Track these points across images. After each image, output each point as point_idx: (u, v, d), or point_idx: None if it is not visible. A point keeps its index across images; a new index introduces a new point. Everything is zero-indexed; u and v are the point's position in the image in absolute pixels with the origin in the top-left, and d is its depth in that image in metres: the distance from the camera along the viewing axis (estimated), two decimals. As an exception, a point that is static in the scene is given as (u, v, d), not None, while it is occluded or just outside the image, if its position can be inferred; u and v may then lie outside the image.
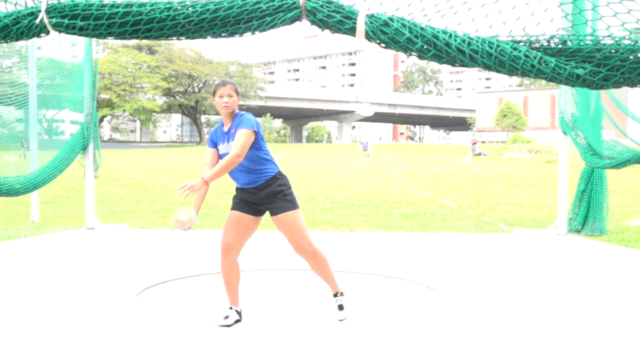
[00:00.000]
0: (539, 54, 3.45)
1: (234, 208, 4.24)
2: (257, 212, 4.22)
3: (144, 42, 58.22)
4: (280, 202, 4.09)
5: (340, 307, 4.35)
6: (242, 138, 3.93)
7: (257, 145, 4.06)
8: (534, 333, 4.10)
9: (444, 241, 8.36)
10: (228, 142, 4.06)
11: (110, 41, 54.97)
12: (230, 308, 4.29)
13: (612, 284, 5.71)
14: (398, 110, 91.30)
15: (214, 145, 4.21)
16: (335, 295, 4.37)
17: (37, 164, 9.01)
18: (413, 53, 3.59)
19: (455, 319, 4.47)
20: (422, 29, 3.54)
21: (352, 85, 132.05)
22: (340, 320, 4.32)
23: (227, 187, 17.57)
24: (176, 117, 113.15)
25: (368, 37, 3.62)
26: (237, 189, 4.27)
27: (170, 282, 5.66)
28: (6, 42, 4.10)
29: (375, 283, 5.76)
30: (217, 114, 73.23)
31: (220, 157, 4.16)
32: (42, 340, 3.87)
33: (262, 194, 4.12)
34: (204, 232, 9.19)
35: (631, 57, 3.36)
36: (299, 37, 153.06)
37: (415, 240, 8.44)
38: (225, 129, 4.12)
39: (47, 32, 3.93)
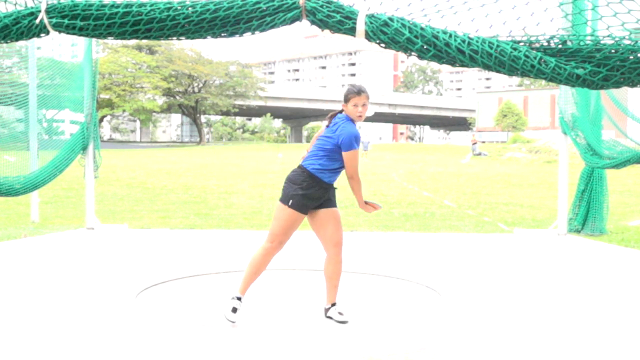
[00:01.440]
0: (539, 54, 3.46)
1: (300, 210, 4.26)
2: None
3: (144, 42, 58.22)
4: (334, 198, 4.47)
5: (340, 313, 4.40)
6: None
7: None
8: (534, 333, 4.11)
9: (444, 241, 8.36)
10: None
11: (110, 41, 54.97)
12: (239, 299, 4.25)
13: (612, 284, 5.71)
14: (398, 110, 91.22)
15: None
16: (333, 305, 4.44)
17: (37, 164, 9.00)
18: (413, 53, 3.60)
19: (455, 319, 4.47)
20: (422, 29, 3.54)
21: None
22: (342, 322, 4.35)
23: (227, 187, 17.58)
24: (176, 117, 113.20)
25: (368, 37, 3.62)
26: (318, 185, 4.30)
27: (170, 282, 5.66)
28: (6, 42, 4.10)
29: (375, 283, 5.76)
30: (217, 114, 73.40)
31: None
32: (42, 340, 3.87)
33: (332, 190, 4.45)
34: (204, 232, 9.19)
35: (631, 57, 3.36)
36: (299, 37, 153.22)
37: (415, 240, 8.44)
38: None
39: (47, 32, 3.93)
